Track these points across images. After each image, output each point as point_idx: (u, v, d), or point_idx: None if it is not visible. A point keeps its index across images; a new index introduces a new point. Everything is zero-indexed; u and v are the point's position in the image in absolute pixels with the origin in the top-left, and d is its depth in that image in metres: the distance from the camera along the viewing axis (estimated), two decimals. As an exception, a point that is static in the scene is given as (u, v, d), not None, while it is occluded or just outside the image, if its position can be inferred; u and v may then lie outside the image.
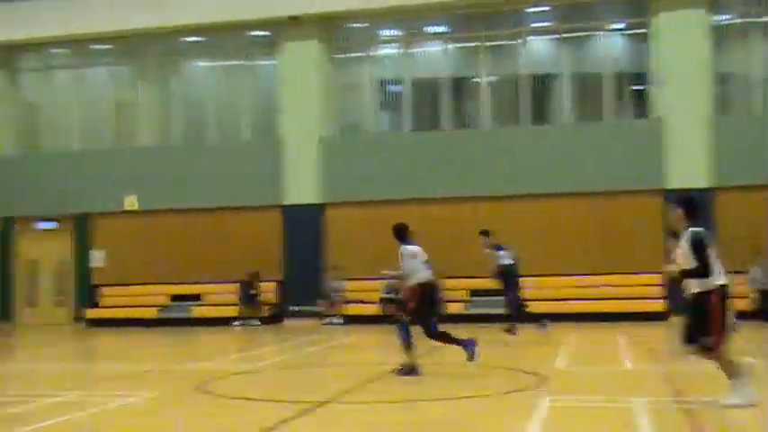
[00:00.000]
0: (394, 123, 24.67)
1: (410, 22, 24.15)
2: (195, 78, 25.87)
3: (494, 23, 23.54)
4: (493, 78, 23.58)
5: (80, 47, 25.97)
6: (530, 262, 21.33)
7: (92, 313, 24.35)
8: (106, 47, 26.11)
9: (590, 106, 22.94)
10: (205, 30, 24.73)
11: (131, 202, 24.67)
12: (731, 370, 8.43)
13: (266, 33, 24.72)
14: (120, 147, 25.66)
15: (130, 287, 24.38)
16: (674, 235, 9.09)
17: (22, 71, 26.68)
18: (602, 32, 23.17)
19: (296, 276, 23.41)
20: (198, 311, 23.65)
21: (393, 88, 24.39)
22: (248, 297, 23.01)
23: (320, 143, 23.55)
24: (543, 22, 23.94)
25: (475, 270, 20.56)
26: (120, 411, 9.38)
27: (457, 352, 11.73)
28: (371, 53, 24.38)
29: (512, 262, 17.08)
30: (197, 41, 25.49)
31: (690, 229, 8.50)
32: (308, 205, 23.40)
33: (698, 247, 8.34)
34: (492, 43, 23.51)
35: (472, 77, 23.82)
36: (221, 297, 23.64)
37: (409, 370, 11.41)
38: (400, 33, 24.45)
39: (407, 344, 11.51)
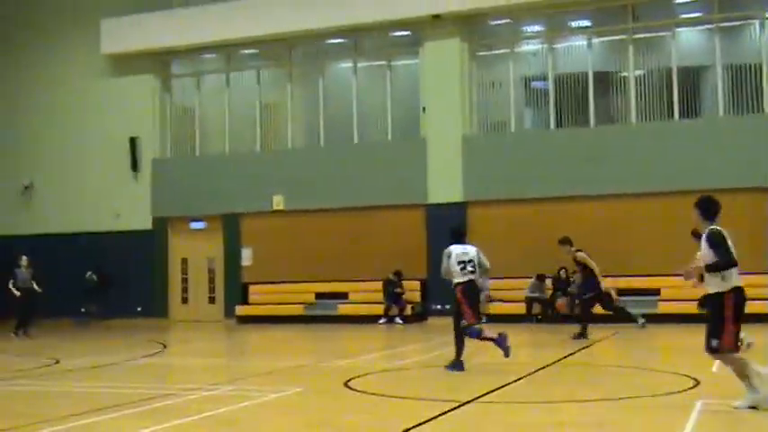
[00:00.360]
0: (538, 121, 24.31)
1: (553, 18, 23.74)
2: (340, 80, 26.25)
3: (641, 15, 22.87)
4: (641, 72, 22.86)
5: (229, 51, 26.84)
6: (678, 261, 20.59)
7: (241, 310, 25.13)
8: (254, 51, 26.87)
9: (745, 99, 21.90)
10: (348, 31, 25.09)
11: (278, 202, 25.31)
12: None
13: (408, 33, 24.88)
14: (267, 148, 26.37)
15: (278, 285, 25.03)
16: None
17: (174, 77, 27.80)
18: (757, 21, 22.07)
19: (439, 275, 23.30)
20: (343, 309, 24.01)
21: (537, 85, 24.03)
22: (393, 295, 23.18)
23: (463, 141, 23.48)
24: (695, 12, 23.11)
25: (622, 268, 20.18)
26: (269, 405, 9.61)
27: (607, 354, 11.41)
28: (514, 50, 24.09)
29: None
30: (341, 43, 25.90)
31: None
32: (451, 204, 23.36)
33: None
34: (639, 36, 22.83)
35: (619, 72, 23.19)
36: (366, 295, 23.91)
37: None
38: (543, 29, 24.08)
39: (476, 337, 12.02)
